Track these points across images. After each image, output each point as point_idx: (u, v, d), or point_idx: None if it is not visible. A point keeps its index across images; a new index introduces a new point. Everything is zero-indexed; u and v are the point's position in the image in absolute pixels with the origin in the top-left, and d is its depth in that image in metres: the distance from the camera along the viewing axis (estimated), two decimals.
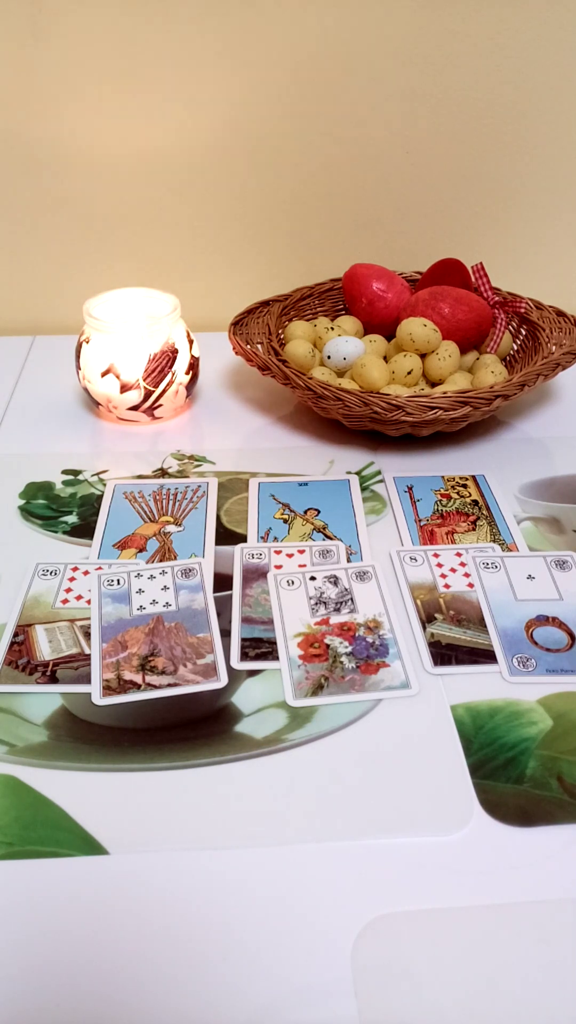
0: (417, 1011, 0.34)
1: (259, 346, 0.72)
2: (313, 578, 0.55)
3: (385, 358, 0.73)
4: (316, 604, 0.53)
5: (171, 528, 0.60)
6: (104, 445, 0.70)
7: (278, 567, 0.56)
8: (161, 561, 0.57)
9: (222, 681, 0.48)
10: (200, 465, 0.68)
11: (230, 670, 0.49)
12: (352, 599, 0.54)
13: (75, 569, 0.56)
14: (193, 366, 0.73)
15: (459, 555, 0.57)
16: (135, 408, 0.71)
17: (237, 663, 0.49)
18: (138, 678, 0.48)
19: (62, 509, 0.62)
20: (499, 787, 0.42)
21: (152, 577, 0.55)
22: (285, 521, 0.61)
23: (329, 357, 0.72)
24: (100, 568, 0.56)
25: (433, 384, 0.71)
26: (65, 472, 0.67)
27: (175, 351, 0.71)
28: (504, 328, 0.75)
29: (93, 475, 0.66)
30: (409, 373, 0.69)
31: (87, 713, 0.46)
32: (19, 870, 0.39)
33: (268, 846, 0.40)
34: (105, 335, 0.69)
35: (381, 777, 0.43)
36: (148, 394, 0.70)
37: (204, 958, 0.36)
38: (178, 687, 0.48)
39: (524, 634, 0.51)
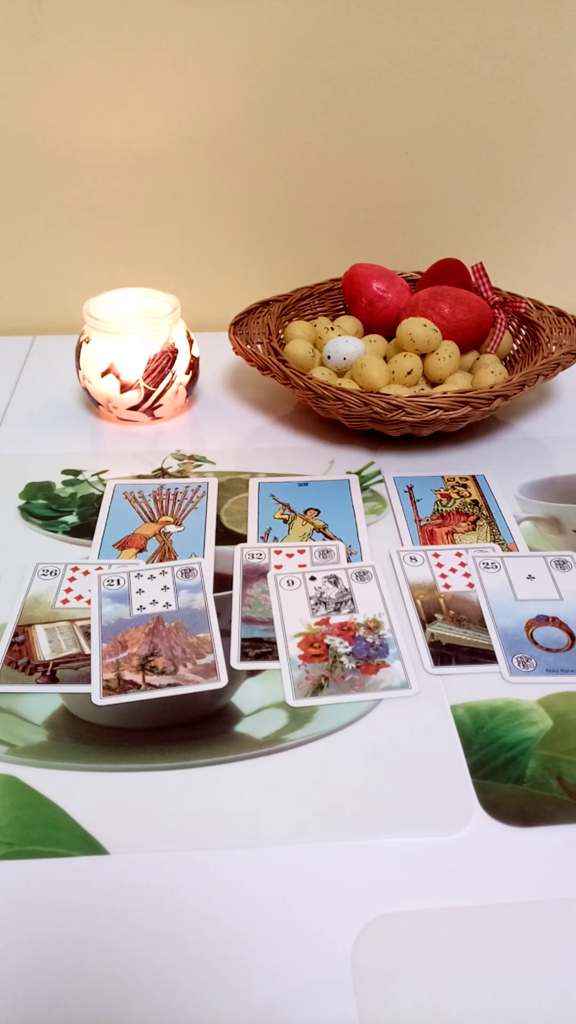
0: (417, 1011, 0.34)
1: (259, 346, 0.72)
2: (313, 578, 0.55)
3: (385, 358, 0.73)
4: (316, 604, 0.53)
5: (171, 528, 0.60)
6: (104, 445, 0.70)
7: (278, 567, 0.56)
8: (161, 561, 0.57)
9: (222, 681, 0.48)
10: (200, 465, 0.68)
11: (230, 670, 0.49)
12: (352, 599, 0.54)
13: (75, 569, 0.56)
14: (193, 366, 0.73)
15: (459, 555, 0.57)
16: (135, 408, 0.71)
17: (237, 663, 0.49)
18: (138, 678, 0.48)
19: (62, 509, 0.62)
20: (499, 787, 0.42)
21: (152, 577, 0.55)
22: (285, 521, 0.61)
23: (329, 357, 0.72)
24: (100, 568, 0.56)
25: (433, 384, 0.71)
26: (65, 472, 0.67)
27: (175, 351, 0.71)
28: (504, 328, 0.75)
29: (93, 475, 0.66)
30: (409, 373, 0.69)
31: (87, 713, 0.46)
32: (19, 870, 0.39)
33: (268, 846, 0.40)
34: (105, 335, 0.69)
35: (381, 777, 0.43)
36: (148, 394, 0.70)
37: (204, 958, 0.36)
38: (178, 687, 0.48)
39: (524, 634, 0.51)
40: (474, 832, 0.41)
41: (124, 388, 0.70)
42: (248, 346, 0.71)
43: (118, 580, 0.55)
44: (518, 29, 0.76)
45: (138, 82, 0.78)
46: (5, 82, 0.77)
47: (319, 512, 0.62)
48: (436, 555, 0.57)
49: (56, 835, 0.40)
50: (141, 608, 0.53)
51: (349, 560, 0.57)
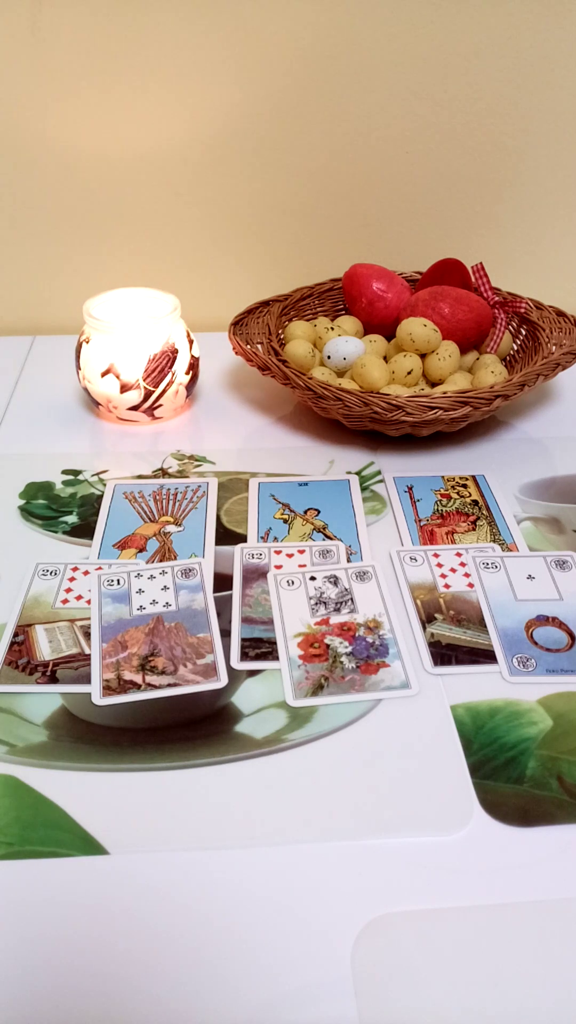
0: (417, 1011, 0.34)
1: (259, 346, 0.72)
2: (313, 578, 0.55)
3: (385, 358, 0.73)
4: (316, 604, 0.53)
5: (171, 528, 0.60)
6: (104, 445, 0.70)
7: (278, 567, 0.56)
8: (161, 561, 0.57)
9: (222, 681, 0.48)
10: (200, 465, 0.68)
11: (230, 670, 0.49)
12: (352, 599, 0.54)
13: (75, 569, 0.56)
14: (193, 366, 0.73)
15: (459, 555, 0.57)
16: (135, 408, 0.71)
17: (237, 663, 0.49)
18: (138, 678, 0.48)
19: (62, 509, 0.62)
20: (499, 787, 0.42)
21: (152, 577, 0.55)
22: (285, 521, 0.61)
23: (329, 357, 0.72)
24: (100, 568, 0.56)
25: (433, 384, 0.71)
26: (65, 472, 0.67)
27: (175, 351, 0.71)
28: (504, 328, 0.75)
29: (93, 475, 0.66)
30: (409, 373, 0.69)
31: (87, 713, 0.46)
32: (19, 870, 0.39)
33: (268, 846, 0.40)
34: (105, 335, 0.69)
35: (381, 777, 0.43)
36: (148, 394, 0.70)
37: (204, 958, 0.36)
38: (178, 687, 0.48)
39: (524, 634, 0.51)
40: (474, 832, 0.41)
41: (124, 388, 0.70)
42: (248, 346, 0.71)
43: (118, 580, 0.55)
44: (518, 29, 0.76)
45: (138, 82, 0.78)
46: (5, 82, 0.77)
47: (319, 512, 0.62)
48: (436, 555, 0.57)
49: (56, 835, 0.40)
50: (141, 608, 0.53)
51: (349, 560, 0.57)
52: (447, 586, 0.55)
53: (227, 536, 0.60)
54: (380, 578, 0.55)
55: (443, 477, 0.66)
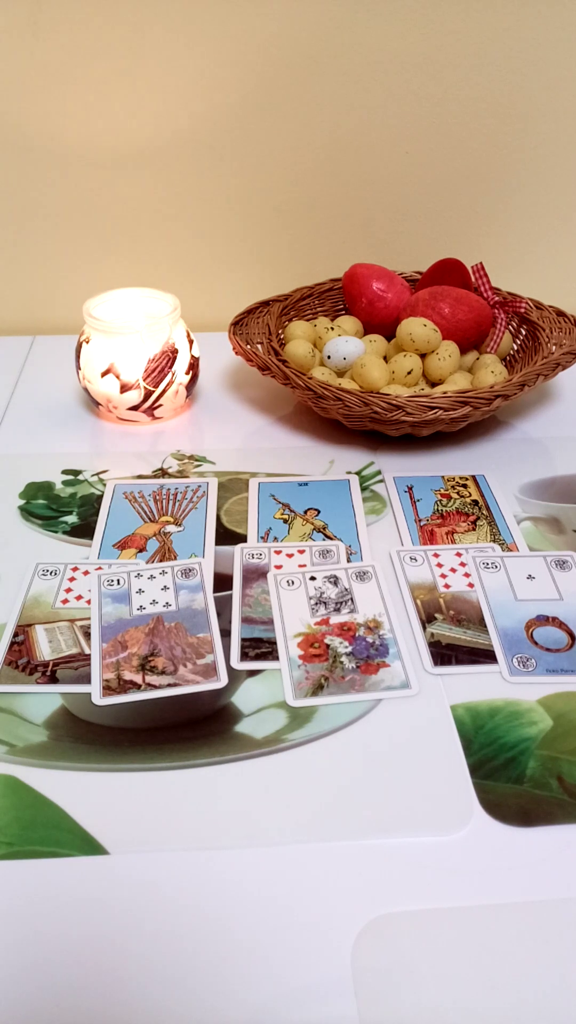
0: (417, 1011, 0.34)
1: (259, 346, 0.72)
2: (313, 578, 0.55)
3: (385, 358, 0.73)
4: (316, 604, 0.53)
5: (171, 528, 0.60)
6: (104, 445, 0.70)
7: (278, 567, 0.56)
8: (161, 561, 0.57)
9: (222, 681, 0.48)
10: (200, 465, 0.68)
11: (230, 670, 0.49)
12: (352, 599, 0.54)
13: (75, 569, 0.56)
14: (193, 366, 0.73)
15: (459, 555, 0.57)
16: (135, 408, 0.71)
17: (237, 663, 0.49)
18: (138, 678, 0.48)
19: (62, 509, 0.62)
20: (499, 787, 0.42)
21: (152, 577, 0.55)
22: (285, 521, 0.61)
23: (329, 357, 0.72)
24: (100, 568, 0.56)
25: (433, 384, 0.71)
26: (65, 472, 0.67)
27: (175, 351, 0.71)
28: (504, 328, 0.75)
29: (93, 475, 0.66)
30: (409, 373, 0.69)
31: (87, 713, 0.46)
32: (19, 870, 0.39)
33: (268, 846, 0.40)
34: (105, 335, 0.69)
35: (381, 777, 0.43)
36: (148, 394, 0.70)
37: (204, 958, 0.36)
38: (178, 687, 0.48)
39: (524, 634, 0.51)
40: (474, 832, 0.41)
41: (124, 388, 0.70)
42: (248, 346, 0.71)
43: (118, 580, 0.55)
44: (518, 29, 0.76)
45: (138, 82, 0.78)
46: (5, 82, 0.77)
47: (319, 512, 0.62)
48: (436, 555, 0.57)
49: (56, 835, 0.40)
50: (141, 608, 0.53)
51: (349, 560, 0.57)
52: (447, 586, 0.55)
53: (227, 536, 0.60)
54: (380, 578, 0.55)
55: (443, 477, 0.66)
